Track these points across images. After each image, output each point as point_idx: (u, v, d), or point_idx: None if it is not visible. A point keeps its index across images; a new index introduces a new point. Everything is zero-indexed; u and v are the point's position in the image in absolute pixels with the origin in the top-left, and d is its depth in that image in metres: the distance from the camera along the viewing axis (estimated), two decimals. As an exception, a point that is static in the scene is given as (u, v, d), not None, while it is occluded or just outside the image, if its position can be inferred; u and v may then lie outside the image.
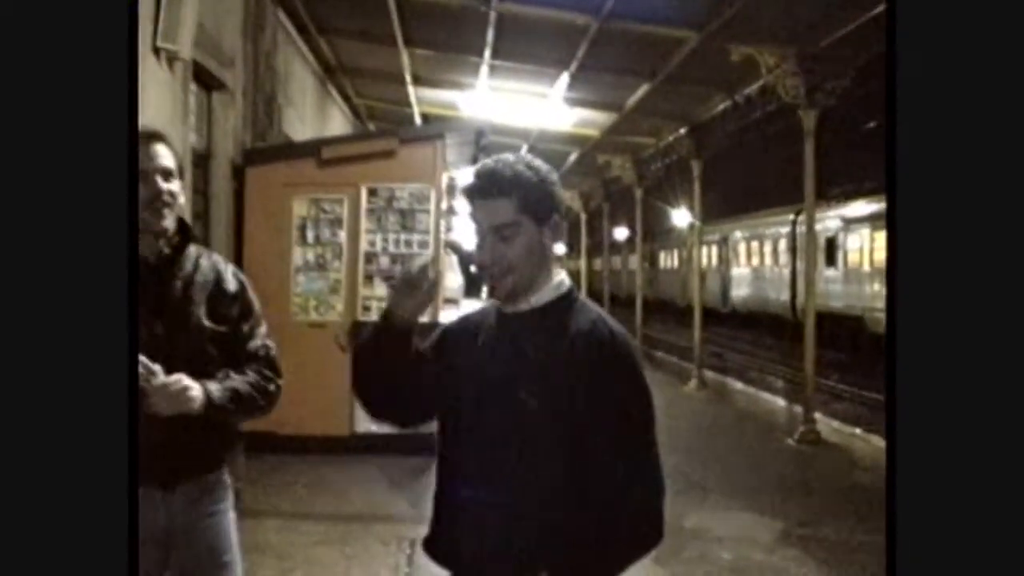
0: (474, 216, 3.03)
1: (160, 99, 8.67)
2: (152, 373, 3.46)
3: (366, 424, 11.32)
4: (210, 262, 3.93)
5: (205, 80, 10.82)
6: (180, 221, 3.87)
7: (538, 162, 3.05)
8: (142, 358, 3.45)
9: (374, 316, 11.49)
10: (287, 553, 7.78)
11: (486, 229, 2.99)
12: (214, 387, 3.67)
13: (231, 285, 3.92)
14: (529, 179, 2.97)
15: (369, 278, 11.58)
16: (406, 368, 3.12)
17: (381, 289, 11.43)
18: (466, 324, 3.26)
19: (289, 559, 7.68)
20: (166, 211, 3.71)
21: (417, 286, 3.03)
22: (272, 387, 3.90)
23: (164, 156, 3.74)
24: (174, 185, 3.75)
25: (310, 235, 11.79)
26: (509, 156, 3.07)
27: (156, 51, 8.53)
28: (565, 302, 3.08)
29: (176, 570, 3.83)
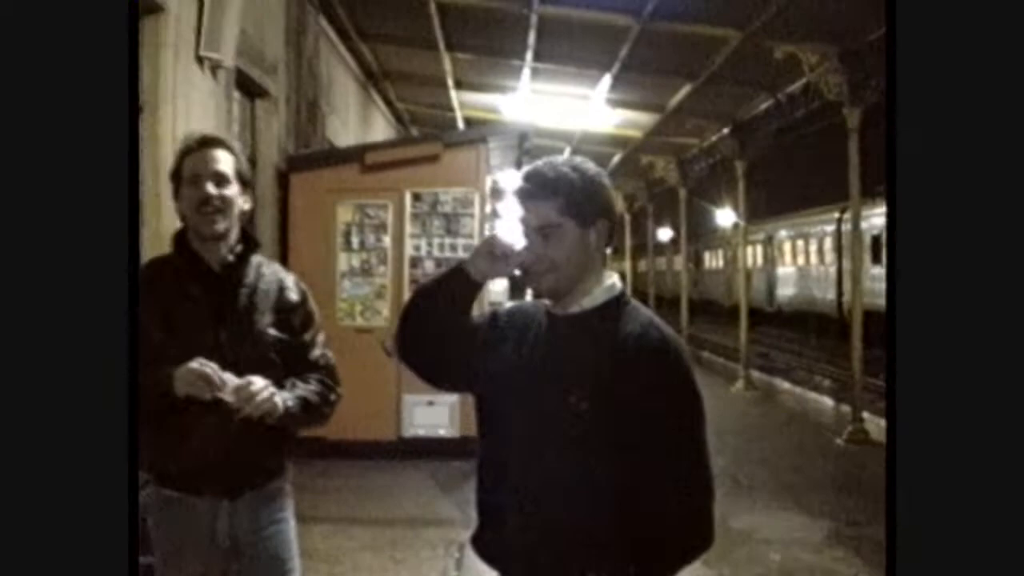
0: (521, 217, 3.05)
1: (204, 107, 8.72)
2: (223, 381, 3.48)
3: (413, 429, 11.40)
4: (272, 271, 3.96)
5: (248, 88, 10.88)
6: (243, 230, 3.89)
7: (588, 165, 3.05)
8: (212, 366, 3.49)
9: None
10: (336, 558, 7.79)
11: (531, 229, 3.01)
12: (286, 395, 3.69)
13: (293, 294, 3.93)
14: (574, 181, 2.98)
15: (414, 283, 11.41)
16: (454, 324, 3.14)
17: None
18: (516, 315, 3.26)
19: (338, 564, 7.69)
20: (218, 216, 3.73)
21: (496, 255, 3.05)
22: (333, 396, 3.92)
23: (219, 161, 3.77)
24: (228, 190, 3.77)
25: (355, 240, 11.83)
26: (558, 158, 3.09)
27: (199, 60, 8.58)
28: (616, 305, 3.07)
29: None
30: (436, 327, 3.15)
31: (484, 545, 3.20)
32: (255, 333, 3.78)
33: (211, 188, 3.72)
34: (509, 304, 3.31)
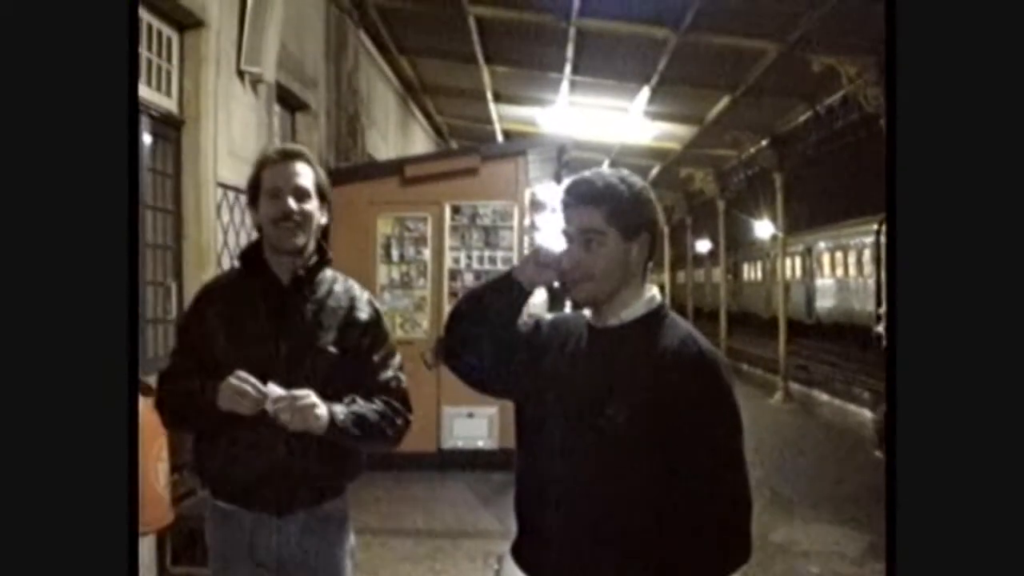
0: (564, 227, 3.06)
1: (245, 121, 8.80)
2: (264, 395, 3.45)
3: (453, 440, 11.41)
4: (344, 287, 3.90)
5: (289, 101, 10.97)
6: (319, 244, 3.86)
7: (634, 178, 3.07)
8: (252, 380, 3.46)
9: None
10: (375, 569, 7.83)
11: (573, 236, 3.03)
12: (339, 408, 3.61)
13: (364, 313, 3.86)
14: (621, 192, 3.00)
15: (454, 295, 11.52)
16: (501, 330, 3.17)
17: (465, 306, 11.40)
18: (559, 325, 3.27)
19: (377, 575, 7.73)
20: (297, 231, 3.71)
21: (542, 263, 3.08)
22: (400, 420, 3.84)
23: (300, 175, 3.75)
24: (308, 205, 3.75)
25: (395, 253, 11.90)
26: (605, 170, 3.11)
27: (240, 74, 8.66)
28: (655, 318, 3.08)
29: None
30: (483, 332, 3.17)
31: (524, 556, 3.20)
32: (316, 349, 3.72)
33: (292, 202, 3.69)
34: (551, 315, 3.31)
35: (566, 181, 3.07)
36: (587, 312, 3.15)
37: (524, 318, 3.24)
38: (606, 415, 2.92)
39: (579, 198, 3.02)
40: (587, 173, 3.08)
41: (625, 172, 3.10)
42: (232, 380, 3.47)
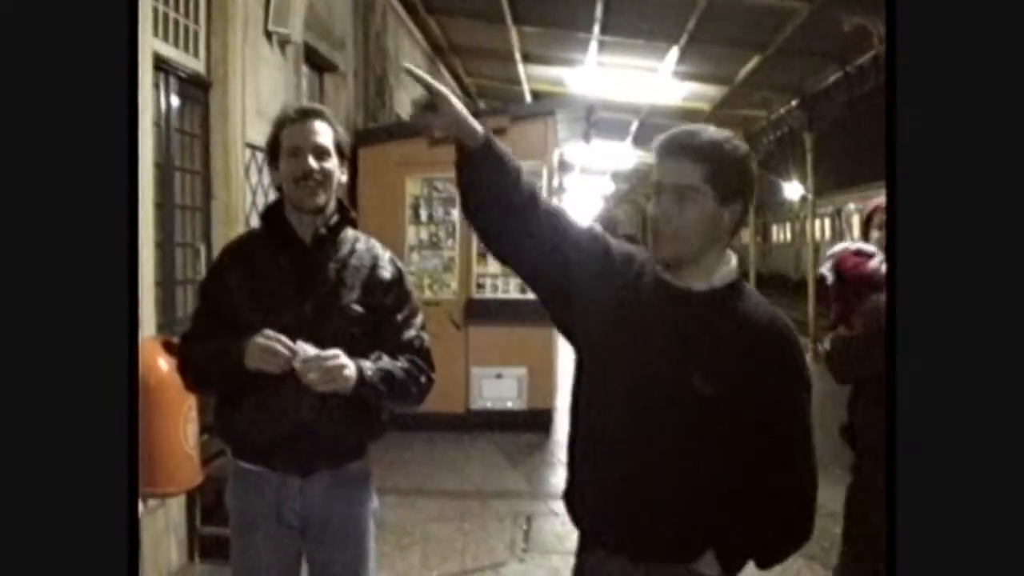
0: (657, 177, 2.92)
1: (273, 82, 8.79)
2: (294, 352, 3.44)
3: (481, 401, 11.44)
4: (367, 246, 3.90)
5: (316, 62, 10.95)
6: (340, 203, 3.87)
7: (739, 142, 2.94)
8: (281, 338, 3.46)
9: (488, 293, 11.56)
10: (404, 530, 7.88)
11: (665, 187, 2.89)
12: (367, 364, 3.62)
13: (387, 272, 3.86)
14: (725, 153, 2.88)
15: (482, 256, 11.54)
16: (506, 191, 3.06)
17: (494, 267, 11.49)
18: (630, 261, 3.09)
19: (406, 535, 7.77)
20: (318, 189, 3.71)
21: (430, 105, 3.04)
22: (424, 378, 3.83)
23: (320, 134, 3.75)
24: (328, 163, 3.75)
25: (423, 214, 11.89)
26: (710, 127, 2.96)
27: (268, 34, 8.64)
28: (738, 286, 2.98)
29: (311, 558, 3.83)
30: (490, 196, 3.08)
31: (576, 506, 3.11)
32: (340, 308, 3.72)
33: (312, 161, 3.70)
34: (616, 242, 3.12)
35: (664, 133, 2.91)
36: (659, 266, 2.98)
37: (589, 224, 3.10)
38: (692, 385, 2.82)
39: (679, 150, 2.88)
40: (691, 126, 2.94)
41: (730, 133, 2.96)
42: (260, 339, 3.47)
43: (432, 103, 3.05)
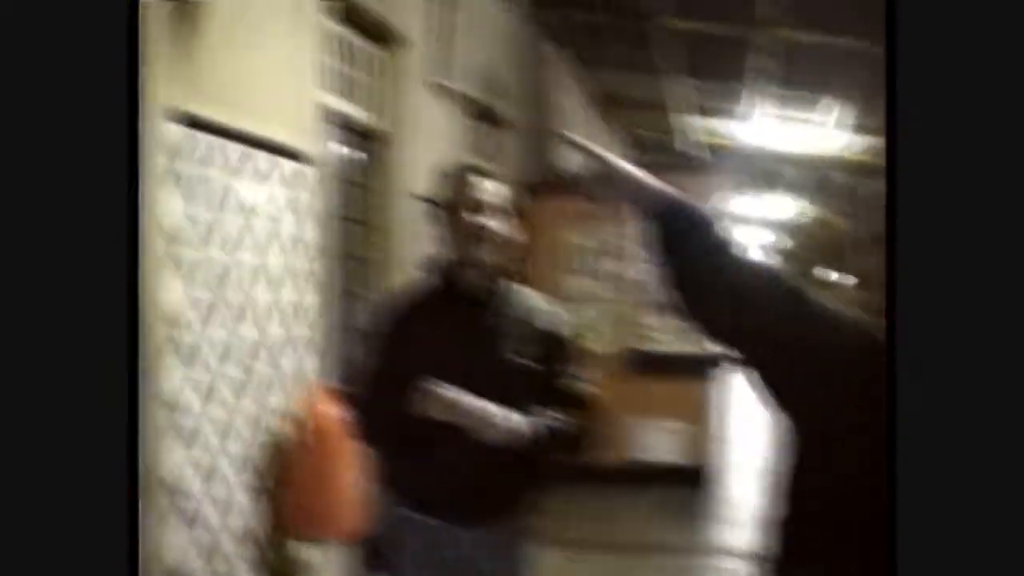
0: None
1: (437, 134, 8.88)
2: (467, 406, 3.52)
3: (643, 454, 11.38)
4: (524, 297, 3.94)
5: (481, 114, 11.03)
6: (508, 258, 3.91)
7: None
8: (453, 391, 3.53)
9: (652, 345, 11.51)
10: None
11: None
12: (531, 419, 3.65)
13: (550, 324, 3.91)
14: None
15: (646, 307, 11.54)
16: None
17: (656, 319, 11.43)
18: None
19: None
20: (489, 247, 3.77)
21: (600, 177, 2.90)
22: (585, 430, 3.86)
23: (491, 192, 3.81)
24: (499, 222, 3.80)
25: (584, 264, 11.93)
26: None
27: (433, 87, 8.74)
28: None
29: None
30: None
31: None
32: (500, 360, 3.76)
33: (466, 216, 3.76)
34: None
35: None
36: None
37: None
38: None
39: None
40: None
41: None
42: (441, 391, 3.53)
43: (601, 173, 2.89)
